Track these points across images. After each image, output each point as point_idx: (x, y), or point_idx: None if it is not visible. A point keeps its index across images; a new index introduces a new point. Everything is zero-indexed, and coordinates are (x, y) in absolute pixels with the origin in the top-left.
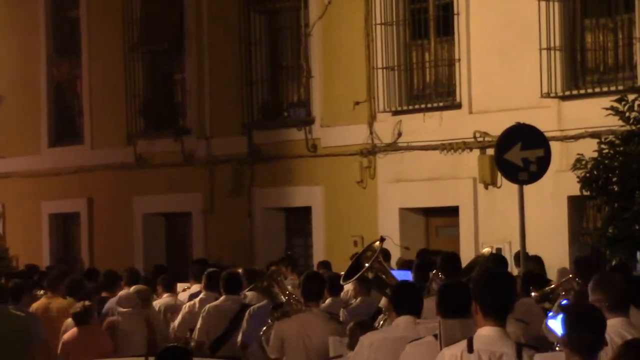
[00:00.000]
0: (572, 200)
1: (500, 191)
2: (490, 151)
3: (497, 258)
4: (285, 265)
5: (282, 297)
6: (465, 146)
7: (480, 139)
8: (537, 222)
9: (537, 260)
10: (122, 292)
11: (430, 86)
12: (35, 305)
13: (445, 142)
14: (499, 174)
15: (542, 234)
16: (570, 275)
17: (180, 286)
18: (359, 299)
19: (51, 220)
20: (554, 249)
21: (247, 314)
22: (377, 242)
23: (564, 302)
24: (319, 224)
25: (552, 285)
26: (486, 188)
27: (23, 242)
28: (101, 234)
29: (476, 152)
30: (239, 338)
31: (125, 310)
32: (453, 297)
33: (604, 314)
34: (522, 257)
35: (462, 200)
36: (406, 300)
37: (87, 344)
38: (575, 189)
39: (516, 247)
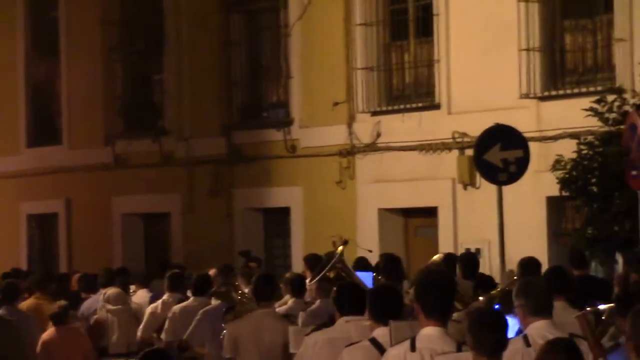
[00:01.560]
0: (551, 201)
1: (479, 191)
2: (470, 152)
3: (448, 262)
4: (248, 261)
5: (239, 296)
6: (444, 147)
7: (459, 140)
8: (516, 223)
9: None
10: (110, 291)
11: (409, 87)
12: (24, 306)
13: (424, 143)
14: (478, 175)
15: (521, 234)
16: (515, 277)
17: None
18: (318, 301)
19: (29, 221)
20: (533, 250)
21: (198, 314)
22: (341, 246)
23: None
24: (298, 225)
25: (498, 289)
26: (465, 188)
27: (0, 242)
28: (80, 234)
29: (455, 153)
30: (184, 336)
31: (115, 307)
32: (382, 302)
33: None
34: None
35: (441, 200)
36: (347, 300)
37: (65, 344)
38: (554, 190)
39: (495, 248)
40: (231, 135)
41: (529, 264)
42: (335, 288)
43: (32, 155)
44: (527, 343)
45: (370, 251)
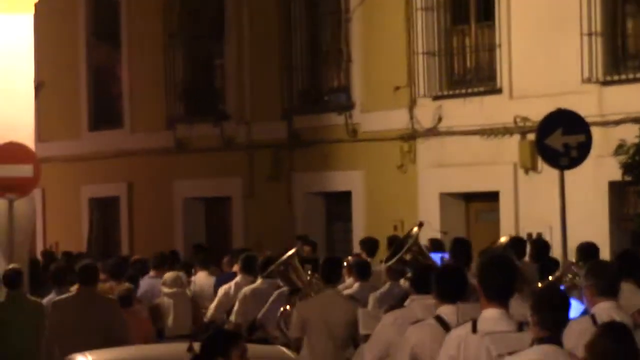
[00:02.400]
0: (613, 186)
1: (541, 176)
2: (531, 136)
3: (514, 245)
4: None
5: (299, 281)
6: (505, 131)
7: (521, 124)
8: (577, 208)
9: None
10: (167, 274)
11: (470, 71)
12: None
13: (485, 127)
14: (540, 159)
15: (582, 219)
16: (573, 260)
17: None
18: (388, 283)
19: (91, 205)
20: (594, 235)
21: (272, 296)
22: (416, 228)
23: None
24: (359, 209)
25: (557, 274)
26: (526, 173)
27: (63, 227)
28: (141, 218)
29: (517, 137)
30: (258, 317)
31: (172, 290)
32: (447, 281)
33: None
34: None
35: (503, 185)
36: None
37: (131, 327)
38: (616, 175)
39: (557, 233)
40: (292, 119)
41: (587, 249)
42: (413, 270)
43: (94, 139)
44: (595, 322)
45: (445, 233)
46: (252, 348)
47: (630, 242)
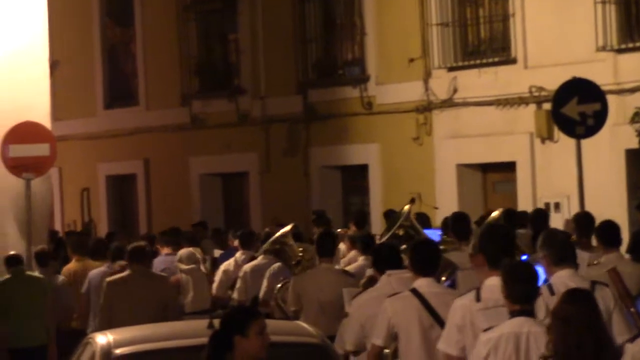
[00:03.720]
0: (630, 154)
1: (557, 145)
2: (547, 106)
3: (508, 216)
4: (317, 226)
5: (294, 258)
6: (521, 101)
7: (536, 94)
8: (594, 176)
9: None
10: (182, 251)
11: (485, 42)
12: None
13: (501, 98)
14: (556, 129)
15: (600, 188)
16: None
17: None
18: None
19: (108, 182)
20: (611, 203)
21: (267, 272)
22: (408, 205)
23: None
24: (376, 182)
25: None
26: (543, 143)
27: (80, 204)
28: (158, 195)
29: (532, 107)
30: (260, 295)
31: (188, 267)
32: (422, 255)
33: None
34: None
35: (519, 155)
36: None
37: None
38: (633, 142)
39: (574, 202)
40: (307, 93)
41: (582, 218)
42: (409, 247)
43: (109, 116)
44: (552, 292)
45: (436, 208)
46: (272, 324)
47: None
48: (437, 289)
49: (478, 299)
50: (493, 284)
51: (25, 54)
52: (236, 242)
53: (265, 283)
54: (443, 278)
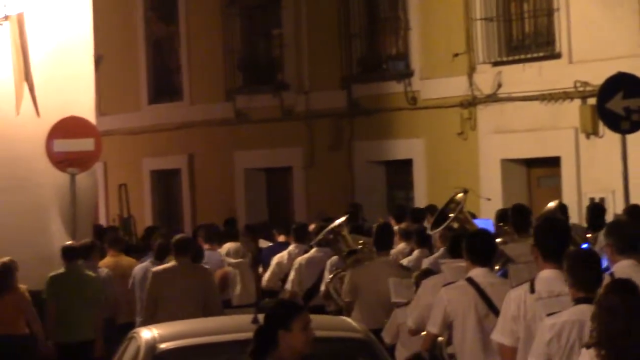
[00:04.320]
0: None
1: (602, 140)
2: (592, 101)
3: (563, 209)
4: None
5: (347, 247)
6: (566, 96)
7: (581, 89)
8: (639, 171)
9: None
10: (228, 244)
11: (529, 36)
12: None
13: (545, 93)
14: (601, 124)
15: None
16: None
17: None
18: (442, 249)
19: (152, 177)
20: None
21: (328, 264)
22: (460, 194)
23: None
24: (421, 177)
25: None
26: (588, 138)
27: (119, 199)
28: (202, 190)
29: (577, 102)
30: (322, 287)
31: (236, 260)
32: (478, 245)
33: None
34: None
35: (564, 150)
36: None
37: None
38: None
39: (620, 197)
40: (351, 88)
41: (633, 211)
42: (466, 237)
43: (154, 111)
44: None
45: (489, 199)
46: (316, 319)
47: None
48: (493, 279)
49: (532, 290)
50: (547, 276)
51: (70, 50)
52: (281, 237)
53: (327, 275)
54: (497, 267)
